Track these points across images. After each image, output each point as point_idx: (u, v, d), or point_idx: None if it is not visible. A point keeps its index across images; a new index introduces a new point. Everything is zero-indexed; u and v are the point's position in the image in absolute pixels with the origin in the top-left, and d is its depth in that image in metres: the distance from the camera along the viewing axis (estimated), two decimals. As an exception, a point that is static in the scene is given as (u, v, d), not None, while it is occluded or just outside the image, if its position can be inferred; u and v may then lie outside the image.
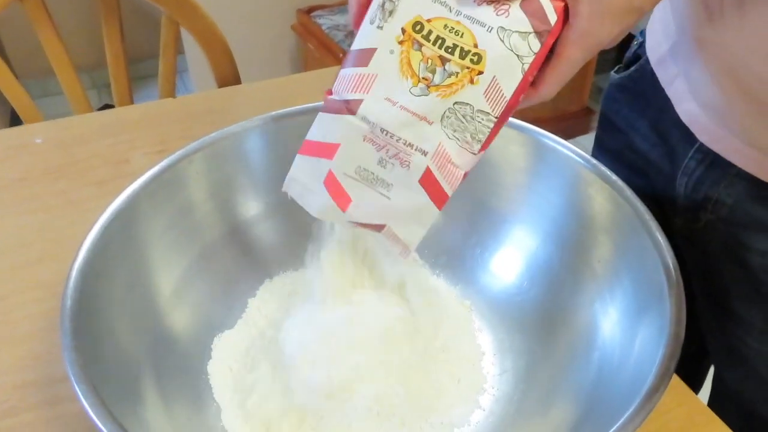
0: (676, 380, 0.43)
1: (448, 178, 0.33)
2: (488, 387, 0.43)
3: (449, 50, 0.30)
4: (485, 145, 0.32)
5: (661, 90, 0.49)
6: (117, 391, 0.33)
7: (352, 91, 0.32)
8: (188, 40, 1.33)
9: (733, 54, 0.40)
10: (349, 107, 0.32)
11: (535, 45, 0.30)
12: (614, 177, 0.42)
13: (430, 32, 0.30)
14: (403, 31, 0.31)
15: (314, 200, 0.36)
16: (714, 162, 0.46)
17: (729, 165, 0.44)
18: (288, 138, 0.48)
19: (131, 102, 0.88)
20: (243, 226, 0.48)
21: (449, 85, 0.31)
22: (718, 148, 0.45)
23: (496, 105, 0.31)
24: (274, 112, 0.47)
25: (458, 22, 0.30)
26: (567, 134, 1.50)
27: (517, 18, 0.30)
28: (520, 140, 0.46)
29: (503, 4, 0.30)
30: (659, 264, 0.36)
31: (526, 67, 0.30)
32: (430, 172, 0.32)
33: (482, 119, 0.31)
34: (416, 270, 0.44)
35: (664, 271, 0.35)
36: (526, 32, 0.30)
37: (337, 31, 1.57)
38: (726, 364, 0.52)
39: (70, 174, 0.64)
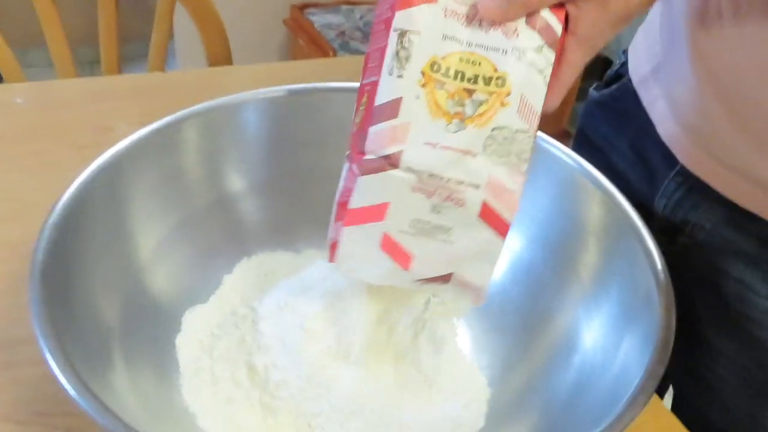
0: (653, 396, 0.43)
1: (506, 205, 0.32)
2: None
3: (471, 81, 0.31)
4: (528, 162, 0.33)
5: (643, 110, 0.49)
6: (85, 352, 0.31)
7: (389, 145, 0.31)
8: (179, 23, 1.31)
9: (727, 72, 0.40)
10: (391, 162, 0.31)
11: (551, 56, 0.31)
12: (606, 181, 0.42)
13: (448, 69, 0.31)
14: (423, 74, 0.31)
15: (373, 269, 0.35)
16: (694, 185, 0.46)
17: (709, 189, 0.45)
18: (285, 116, 0.47)
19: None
20: (227, 200, 0.46)
21: (482, 114, 0.31)
22: (699, 172, 0.45)
23: (531, 120, 0.32)
24: (269, 89, 0.46)
25: (473, 53, 0.31)
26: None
27: (527, 36, 0.31)
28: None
29: (510, 26, 0.31)
30: (648, 269, 0.36)
31: (548, 78, 0.31)
32: (487, 204, 0.32)
33: (522, 138, 0.32)
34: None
35: (654, 276, 0.35)
36: (539, 46, 0.31)
37: (329, 30, 1.56)
38: (690, 388, 0.53)
39: (48, 136, 0.62)
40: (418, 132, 0.31)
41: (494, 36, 0.31)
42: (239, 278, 0.46)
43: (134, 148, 0.41)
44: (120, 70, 0.85)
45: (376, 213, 0.33)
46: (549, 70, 0.31)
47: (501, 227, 0.33)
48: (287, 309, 0.40)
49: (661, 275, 0.36)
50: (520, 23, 0.31)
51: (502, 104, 0.31)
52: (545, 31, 0.31)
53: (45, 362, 0.29)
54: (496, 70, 0.31)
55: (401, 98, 0.31)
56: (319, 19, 1.59)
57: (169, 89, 0.70)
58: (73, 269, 0.35)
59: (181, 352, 0.41)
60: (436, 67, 0.31)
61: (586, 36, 0.32)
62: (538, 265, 0.44)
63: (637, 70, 0.50)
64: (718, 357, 0.48)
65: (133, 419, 0.28)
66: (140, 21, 1.41)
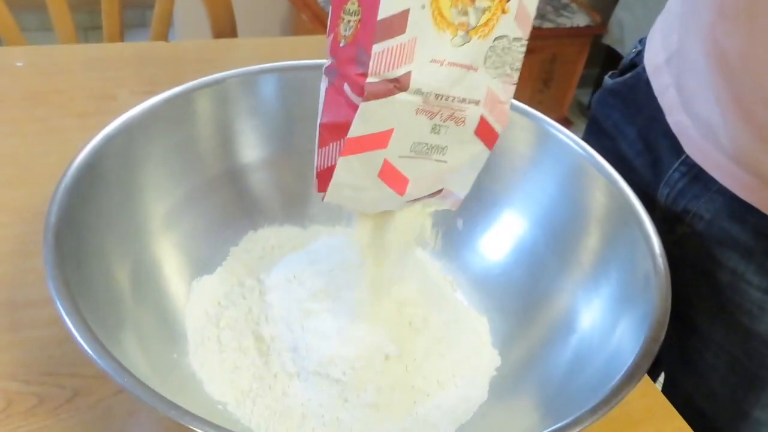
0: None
1: (497, 117, 0.31)
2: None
3: None
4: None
5: (654, 99, 0.50)
6: (98, 314, 0.32)
7: (397, 66, 0.28)
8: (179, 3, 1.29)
9: (739, 63, 0.41)
10: (399, 85, 0.28)
11: None
12: (610, 168, 0.43)
13: None
14: None
15: (367, 198, 0.32)
16: (697, 176, 0.47)
17: (712, 180, 0.46)
18: (295, 90, 0.47)
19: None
20: (237, 172, 0.47)
21: (486, 23, 0.29)
22: (703, 162, 0.46)
23: (525, 27, 0.30)
24: (284, 62, 0.47)
25: None
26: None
27: None
28: (524, 126, 0.46)
29: None
30: (648, 254, 0.37)
31: None
32: (484, 119, 0.31)
33: (517, 47, 0.30)
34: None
35: (652, 260, 0.36)
36: None
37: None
38: (679, 373, 0.54)
39: (50, 102, 0.61)
40: (424, 48, 0.28)
41: None
42: (245, 251, 0.47)
43: (146, 116, 0.41)
44: (123, 38, 0.84)
45: (379, 140, 0.30)
46: None
47: (491, 139, 0.32)
48: (295, 281, 0.41)
49: (659, 260, 0.37)
50: None
51: (504, 11, 0.29)
52: None
53: (53, 324, 0.29)
54: None
55: (408, 9, 0.27)
56: (321, -6, 1.57)
57: (173, 60, 0.70)
58: (85, 233, 0.36)
59: (188, 320, 0.41)
60: None
61: None
62: (541, 248, 0.45)
63: (653, 59, 0.50)
64: (709, 344, 0.49)
65: (144, 380, 0.28)
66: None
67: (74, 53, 0.70)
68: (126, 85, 0.65)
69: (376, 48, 0.28)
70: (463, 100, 0.30)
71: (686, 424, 0.42)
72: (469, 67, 0.29)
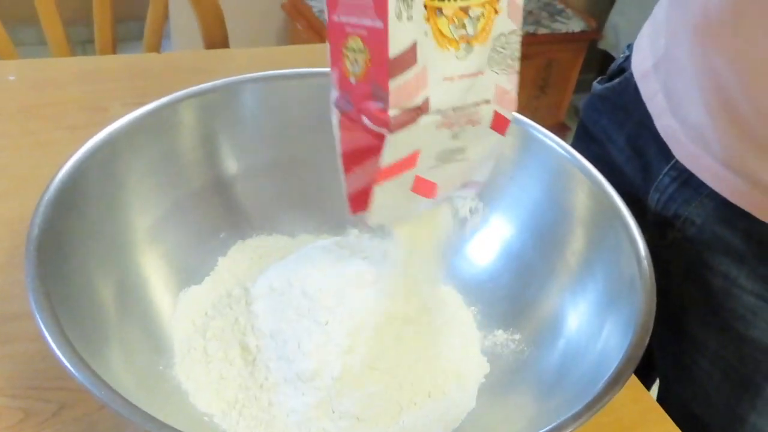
0: (632, 378, 0.44)
1: (506, 106, 0.33)
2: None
3: None
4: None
5: (643, 105, 0.49)
6: (80, 327, 0.32)
7: (415, 95, 0.29)
8: (174, 6, 1.30)
9: (725, 67, 0.41)
10: (420, 110, 0.30)
11: None
12: (595, 172, 0.42)
13: None
14: (425, 6, 0.29)
15: (403, 210, 0.34)
16: (687, 181, 0.47)
17: (702, 185, 0.45)
18: (280, 100, 0.47)
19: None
20: (224, 183, 0.47)
21: (483, 29, 0.30)
22: (693, 167, 0.46)
23: (518, 18, 0.31)
24: (267, 72, 0.47)
25: None
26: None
27: None
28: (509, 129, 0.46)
29: None
30: (633, 258, 0.37)
31: None
32: (497, 113, 0.32)
33: (513, 39, 0.31)
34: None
35: (638, 263, 0.36)
36: None
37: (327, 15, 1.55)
38: (674, 379, 0.54)
39: (42, 115, 0.62)
40: (434, 70, 0.29)
41: None
42: (234, 260, 0.47)
43: (130, 128, 0.41)
44: (115, 51, 0.85)
45: (408, 163, 0.31)
46: None
47: (504, 127, 0.33)
48: (278, 291, 0.41)
49: (644, 263, 0.37)
50: None
51: (496, 12, 0.30)
52: None
53: (39, 337, 0.29)
54: None
55: (416, 42, 0.28)
56: (317, 4, 1.58)
57: (165, 71, 0.70)
58: (69, 246, 0.36)
59: (175, 331, 0.41)
60: None
61: None
62: (528, 252, 0.45)
63: (640, 64, 0.50)
64: (703, 350, 0.49)
65: (127, 393, 0.28)
66: (135, 1, 1.39)
67: (66, 66, 0.70)
68: (117, 97, 0.65)
69: (392, 84, 0.29)
70: (477, 104, 0.31)
71: (678, 429, 0.42)
72: (477, 74, 0.31)
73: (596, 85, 0.57)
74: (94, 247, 0.38)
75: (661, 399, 0.56)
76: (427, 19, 0.29)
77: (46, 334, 0.29)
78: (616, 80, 0.54)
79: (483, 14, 0.30)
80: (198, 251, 0.45)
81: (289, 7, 1.65)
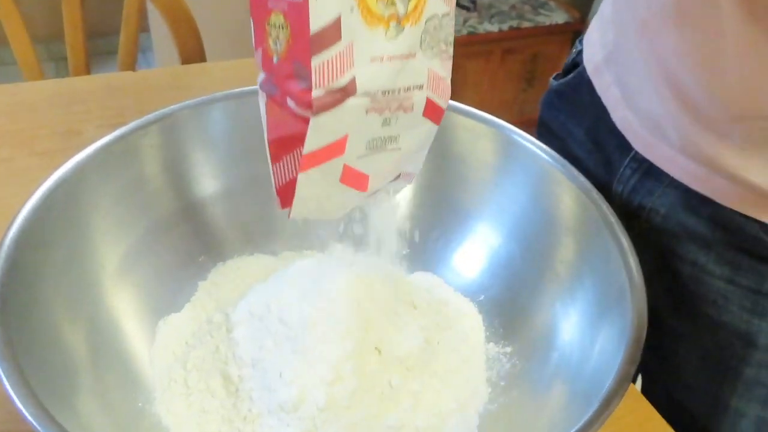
0: (630, 387, 0.43)
1: (440, 93, 0.31)
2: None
3: None
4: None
5: (598, 98, 0.49)
6: (46, 374, 0.30)
7: (340, 75, 0.27)
8: (155, 17, 1.29)
9: (673, 56, 0.40)
10: (346, 92, 0.28)
11: None
12: (582, 178, 0.41)
13: None
14: None
15: (332, 205, 0.33)
16: (648, 171, 0.46)
17: (663, 174, 0.45)
18: (252, 116, 0.45)
19: (88, 74, 0.84)
20: (198, 205, 0.45)
21: (415, 8, 0.29)
22: (652, 157, 0.45)
23: (451, 1, 0.30)
24: (238, 89, 0.45)
25: None
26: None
27: None
28: (489, 135, 0.45)
29: None
30: (622, 267, 0.36)
31: None
32: (430, 100, 0.31)
33: (447, 22, 0.30)
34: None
35: (627, 274, 0.35)
36: None
37: None
38: (656, 369, 0.53)
39: (14, 142, 0.60)
40: (361, 49, 0.28)
41: None
42: (215, 284, 0.45)
43: (96, 157, 0.39)
44: (89, 69, 0.83)
45: (335, 149, 0.29)
46: None
47: (438, 116, 0.32)
48: (258, 316, 0.39)
49: (634, 272, 0.35)
50: None
51: None
52: None
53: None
54: None
55: (339, 16, 0.27)
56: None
57: (140, 89, 0.69)
58: (35, 286, 0.34)
59: (154, 363, 0.40)
60: None
61: None
62: (516, 262, 0.44)
63: (591, 58, 0.50)
64: (680, 338, 0.49)
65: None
66: (110, 15, 1.38)
67: (38, 90, 0.69)
68: (92, 119, 0.64)
69: (315, 61, 0.27)
70: (408, 89, 0.30)
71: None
72: (408, 56, 0.29)
73: (552, 81, 0.57)
74: (62, 283, 0.36)
75: (645, 390, 0.56)
76: None
77: (9, 387, 0.27)
78: (571, 75, 0.54)
79: None
80: (176, 277, 0.44)
81: (270, 14, 1.64)
